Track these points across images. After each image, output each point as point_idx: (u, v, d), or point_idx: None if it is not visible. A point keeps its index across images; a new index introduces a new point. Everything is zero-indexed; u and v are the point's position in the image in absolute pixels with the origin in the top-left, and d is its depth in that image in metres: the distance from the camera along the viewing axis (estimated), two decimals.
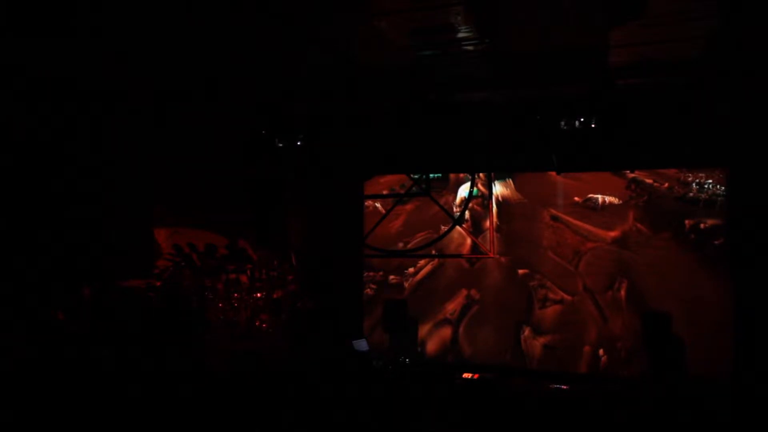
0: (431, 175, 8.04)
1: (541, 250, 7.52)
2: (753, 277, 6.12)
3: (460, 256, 7.98)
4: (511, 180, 7.74)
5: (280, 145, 6.81)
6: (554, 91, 6.04)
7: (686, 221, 6.86)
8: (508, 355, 7.57)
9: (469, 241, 7.96)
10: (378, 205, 8.39)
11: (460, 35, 4.92)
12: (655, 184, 7.01)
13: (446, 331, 7.95)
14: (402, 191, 8.25)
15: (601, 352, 7.13)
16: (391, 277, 8.31)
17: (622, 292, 7.09)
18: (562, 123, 5.78)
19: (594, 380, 6.95)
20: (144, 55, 5.50)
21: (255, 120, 7.04)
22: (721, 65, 5.50)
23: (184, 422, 5.70)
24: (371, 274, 8.35)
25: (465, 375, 6.55)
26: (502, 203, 7.77)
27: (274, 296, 7.67)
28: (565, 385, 6.26)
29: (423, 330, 7.93)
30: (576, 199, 7.37)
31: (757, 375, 5.87)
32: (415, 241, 8.22)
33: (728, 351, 6.26)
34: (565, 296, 7.36)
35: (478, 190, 7.93)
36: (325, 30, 4.92)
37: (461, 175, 7.99)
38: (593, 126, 5.70)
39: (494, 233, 7.78)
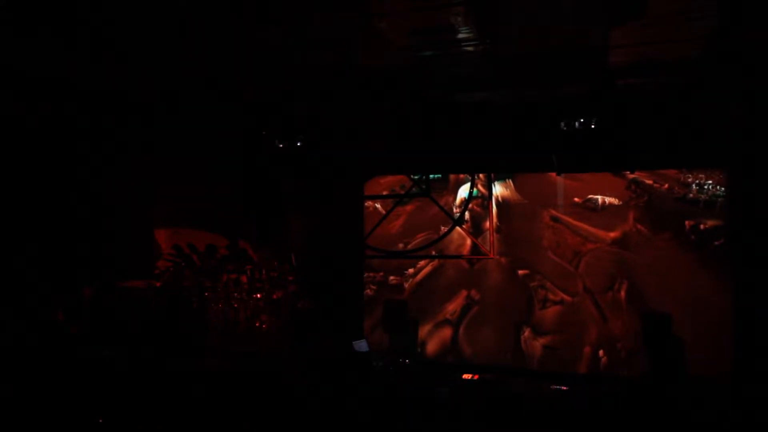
0: (431, 176, 8.04)
1: (541, 250, 7.51)
2: (753, 277, 6.12)
3: (460, 256, 7.97)
4: (511, 180, 7.74)
5: (280, 145, 6.81)
6: (554, 91, 6.04)
7: (686, 222, 6.86)
8: (509, 356, 7.57)
9: (469, 241, 7.96)
10: (378, 205, 8.39)
11: (460, 36, 4.92)
12: (655, 184, 7.01)
13: (446, 332, 7.95)
14: (402, 192, 8.25)
15: (601, 352, 7.12)
16: (391, 277, 8.31)
17: (623, 293, 7.09)
18: (562, 123, 5.78)
19: (594, 381, 6.93)
20: (144, 56, 5.50)
21: (255, 120, 7.05)
22: (721, 65, 5.50)
23: (183, 422, 5.70)
24: (371, 274, 8.35)
25: (465, 376, 6.53)
26: (502, 204, 7.77)
27: (274, 297, 7.67)
28: (565, 385, 6.24)
29: (423, 330, 7.93)
30: (576, 199, 7.37)
31: (757, 375, 5.87)
32: (416, 241, 8.22)
33: (728, 351, 6.26)
34: (566, 297, 7.36)
35: (478, 190, 7.93)
36: (325, 30, 4.92)
37: (461, 175, 7.99)
38: (593, 126, 5.70)
39: (494, 234, 7.78)
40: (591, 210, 7.31)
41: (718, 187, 6.75)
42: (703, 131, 6.04)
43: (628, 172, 6.98)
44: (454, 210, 8.04)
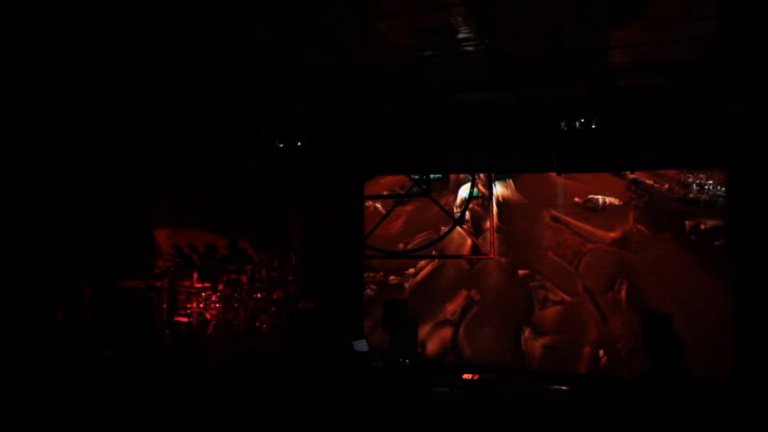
0: (431, 176, 8.03)
1: (541, 250, 7.51)
2: (753, 278, 6.13)
3: (460, 256, 7.97)
4: (511, 180, 7.74)
5: (280, 145, 6.82)
6: (554, 91, 6.05)
7: (686, 222, 6.86)
8: (509, 356, 7.56)
9: (469, 241, 7.96)
10: (378, 205, 8.39)
11: (460, 36, 4.92)
12: (656, 185, 7.01)
13: (446, 332, 7.95)
14: (402, 192, 8.25)
15: (601, 352, 7.12)
16: (392, 277, 8.30)
17: (623, 293, 7.09)
18: (562, 123, 5.79)
19: (594, 381, 6.94)
20: (144, 56, 5.50)
21: (255, 120, 7.05)
22: (721, 66, 5.50)
23: (184, 423, 5.69)
24: (371, 274, 8.35)
25: (465, 376, 6.54)
26: (503, 204, 7.77)
27: (274, 297, 7.67)
28: (565, 385, 6.25)
29: (423, 331, 7.93)
30: (576, 199, 7.37)
31: (757, 375, 5.87)
32: (416, 241, 8.22)
33: (728, 351, 6.26)
34: (566, 297, 7.36)
35: (479, 190, 7.92)
36: (325, 31, 4.92)
37: (461, 175, 7.99)
38: (593, 126, 5.70)
39: (494, 234, 7.77)
40: (591, 210, 7.30)
41: (718, 187, 6.74)
42: (703, 131, 6.04)
43: (628, 172, 6.98)
44: (455, 210, 8.03)
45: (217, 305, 7.63)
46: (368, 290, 8.32)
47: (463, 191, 7.99)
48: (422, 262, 8.18)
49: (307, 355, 6.73)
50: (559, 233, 7.43)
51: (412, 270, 8.23)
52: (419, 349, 7.73)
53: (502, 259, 7.72)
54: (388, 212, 8.29)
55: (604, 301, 7.17)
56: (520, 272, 7.60)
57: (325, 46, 5.21)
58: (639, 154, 6.31)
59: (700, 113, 5.97)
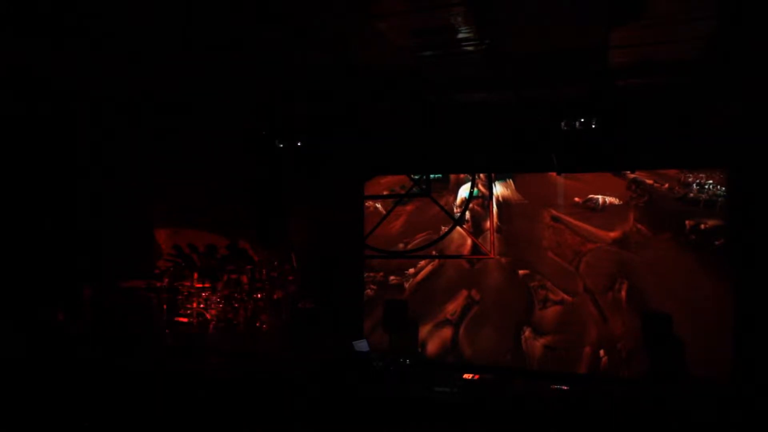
0: (431, 176, 8.03)
1: (541, 250, 7.51)
2: (753, 278, 6.13)
3: (460, 256, 7.97)
4: (511, 180, 7.73)
5: (281, 145, 6.82)
6: (554, 91, 6.05)
7: (687, 222, 6.85)
8: (509, 356, 7.56)
9: (469, 241, 7.96)
10: (378, 205, 8.39)
11: (460, 36, 4.93)
12: (656, 184, 7.01)
13: (447, 332, 7.94)
14: (402, 192, 8.25)
15: (601, 352, 7.12)
16: (392, 277, 8.30)
17: (623, 293, 7.09)
18: (562, 123, 5.79)
19: (594, 381, 6.94)
20: (144, 56, 5.50)
21: (255, 120, 7.05)
22: (721, 66, 5.50)
23: (184, 423, 5.69)
24: (371, 274, 8.34)
25: (465, 376, 6.54)
26: (503, 204, 7.77)
27: (275, 297, 7.68)
28: (565, 385, 6.24)
29: (423, 331, 7.93)
30: (576, 199, 7.37)
31: (757, 375, 5.87)
32: (416, 241, 8.22)
33: (728, 351, 6.26)
34: (566, 297, 7.35)
35: (479, 190, 7.92)
36: (325, 31, 4.92)
37: (461, 175, 7.99)
38: (593, 126, 5.71)
39: (494, 234, 7.77)
40: (591, 210, 7.30)
41: (718, 187, 6.74)
42: (703, 131, 6.04)
43: (629, 172, 6.98)
44: (455, 210, 8.03)
45: (219, 305, 7.64)
46: (368, 290, 8.32)
47: (463, 191, 7.99)
48: (422, 262, 8.17)
49: (307, 355, 6.73)
50: (559, 233, 7.43)
51: (412, 270, 8.23)
52: (419, 349, 7.73)
53: (502, 259, 7.72)
54: (388, 212, 8.29)
55: (604, 301, 7.17)
56: (520, 272, 7.60)
57: (325, 46, 5.21)
58: (639, 154, 6.31)
59: (700, 113, 5.98)
